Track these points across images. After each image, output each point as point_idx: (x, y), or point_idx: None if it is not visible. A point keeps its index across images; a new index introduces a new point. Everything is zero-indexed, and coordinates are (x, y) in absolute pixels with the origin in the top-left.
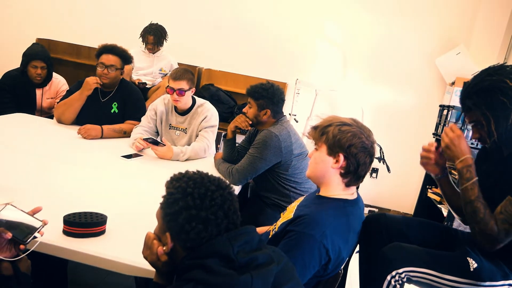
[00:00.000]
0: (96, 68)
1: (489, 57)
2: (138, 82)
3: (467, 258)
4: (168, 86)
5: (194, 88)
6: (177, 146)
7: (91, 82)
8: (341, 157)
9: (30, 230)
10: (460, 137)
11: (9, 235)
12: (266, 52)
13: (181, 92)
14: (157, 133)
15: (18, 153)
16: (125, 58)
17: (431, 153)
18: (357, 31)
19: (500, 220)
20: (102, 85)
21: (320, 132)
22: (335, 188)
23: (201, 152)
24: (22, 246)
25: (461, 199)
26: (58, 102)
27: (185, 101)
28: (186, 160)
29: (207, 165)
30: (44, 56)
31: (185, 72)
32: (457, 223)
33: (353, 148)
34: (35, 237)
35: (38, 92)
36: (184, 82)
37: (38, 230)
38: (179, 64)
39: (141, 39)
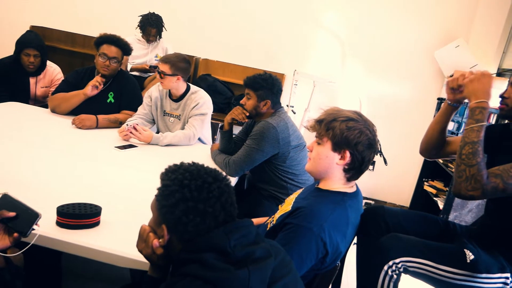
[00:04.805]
0: (97, 58)
1: (488, 51)
2: (149, 66)
3: (464, 249)
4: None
5: (180, 77)
6: (159, 134)
7: (91, 82)
8: (347, 154)
9: (28, 221)
10: (491, 78)
11: (11, 214)
12: (264, 43)
13: (162, 74)
14: (153, 120)
15: (11, 143)
16: (127, 50)
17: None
18: (356, 23)
19: (493, 174)
20: (101, 76)
21: (326, 127)
22: (336, 182)
23: (185, 139)
24: (15, 234)
25: (462, 138)
26: (53, 91)
27: (169, 85)
28: (167, 145)
29: (203, 157)
30: (37, 44)
31: (173, 57)
32: (453, 216)
33: (360, 145)
34: (33, 229)
35: (32, 80)
36: (166, 66)
37: (35, 222)
38: None
39: (138, 29)
